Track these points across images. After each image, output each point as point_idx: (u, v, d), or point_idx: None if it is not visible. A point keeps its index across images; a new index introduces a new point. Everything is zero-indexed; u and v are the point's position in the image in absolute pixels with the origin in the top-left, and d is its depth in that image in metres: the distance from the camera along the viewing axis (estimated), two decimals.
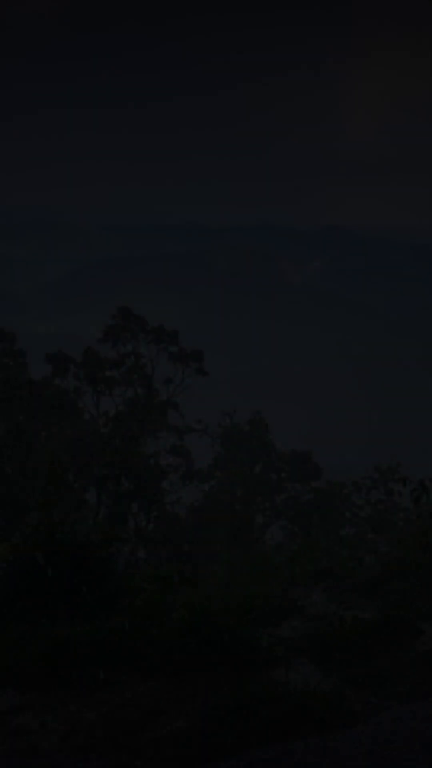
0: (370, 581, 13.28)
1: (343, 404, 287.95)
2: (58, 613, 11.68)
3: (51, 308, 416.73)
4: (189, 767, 8.56)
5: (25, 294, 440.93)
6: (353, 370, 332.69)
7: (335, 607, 12.42)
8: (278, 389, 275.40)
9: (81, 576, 12.16)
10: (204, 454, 48.92)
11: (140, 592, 11.81)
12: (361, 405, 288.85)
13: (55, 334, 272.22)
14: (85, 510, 45.01)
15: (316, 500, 46.86)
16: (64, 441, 42.78)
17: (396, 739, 8.73)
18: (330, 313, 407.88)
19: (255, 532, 46.53)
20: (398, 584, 12.85)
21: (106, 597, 12.12)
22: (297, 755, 8.47)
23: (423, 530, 15.07)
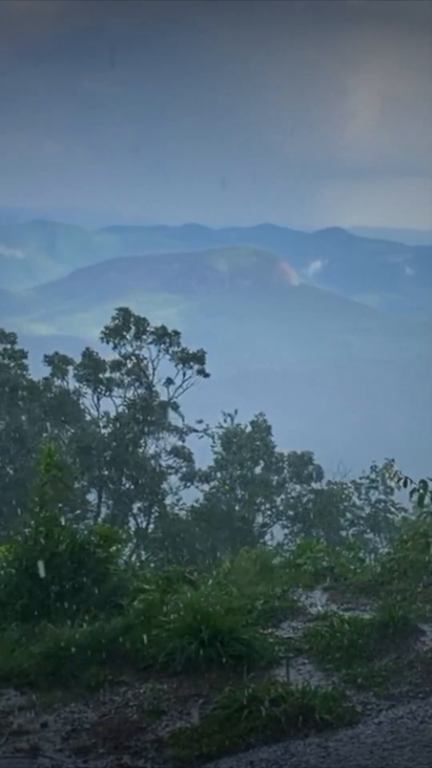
0: (370, 581, 13.29)
1: (344, 405, 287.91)
2: (59, 613, 11.69)
3: (51, 309, 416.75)
4: (190, 767, 8.58)
5: (26, 295, 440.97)
6: (354, 370, 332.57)
7: (335, 607, 12.44)
8: (279, 390, 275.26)
9: (81, 576, 12.18)
10: (205, 455, 48.87)
11: (141, 592, 11.83)
12: (363, 406, 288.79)
13: (56, 336, 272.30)
14: (86, 510, 45.07)
15: (317, 501, 46.83)
16: (65, 442, 42.79)
17: (396, 739, 8.76)
18: (330, 314, 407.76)
19: (255, 533, 46.52)
20: (398, 584, 12.86)
21: (106, 597, 12.13)
22: (298, 755, 8.50)
23: (423, 531, 15.07)
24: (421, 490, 13.45)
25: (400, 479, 13.76)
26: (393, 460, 46.23)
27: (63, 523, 12.83)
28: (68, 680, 10.33)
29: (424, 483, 13.51)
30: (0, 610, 12.01)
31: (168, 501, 47.47)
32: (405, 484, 13.51)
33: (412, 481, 13.52)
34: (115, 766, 8.64)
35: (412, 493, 13.43)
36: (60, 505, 13.16)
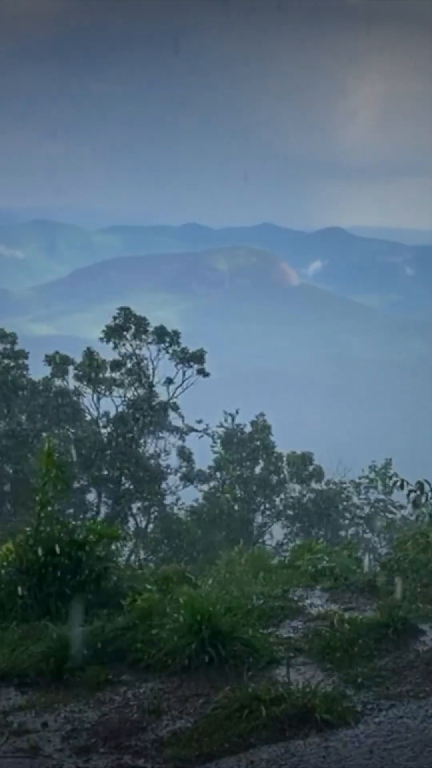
0: (370, 581, 13.29)
1: (343, 405, 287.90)
2: (59, 612, 11.69)
3: (51, 309, 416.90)
4: (190, 767, 8.58)
5: (26, 295, 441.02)
6: (354, 370, 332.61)
7: (335, 607, 12.44)
8: (279, 390, 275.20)
9: (81, 575, 12.17)
10: (205, 455, 48.89)
11: (141, 592, 11.82)
12: (362, 405, 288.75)
13: (56, 336, 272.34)
14: (85, 510, 45.08)
15: (317, 501, 46.84)
16: (65, 442, 42.78)
17: (396, 739, 8.76)
18: (330, 314, 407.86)
19: (255, 533, 46.53)
20: (398, 584, 12.85)
21: (106, 597, 12.13)
22: (298, 755, 8.50)
23: (423, 530, 15.08)
24: (417, 492, 13.49)
25: (396, 481, 13.79)
26: (390, 460, 46.52)
27: (63, 522, 12.83)
28: (68, 680, 10.33)
29: (420, 484, 13.54)
30: (0, 610, 12.00)
31: (167, 501, 47.49)
32: (402, 486, 13.53)
33: (408, 483, 13.54)
34: (115, 766, 8.64)
35: (409, 494, 13.45)
36: (58, 507, 13.15)
